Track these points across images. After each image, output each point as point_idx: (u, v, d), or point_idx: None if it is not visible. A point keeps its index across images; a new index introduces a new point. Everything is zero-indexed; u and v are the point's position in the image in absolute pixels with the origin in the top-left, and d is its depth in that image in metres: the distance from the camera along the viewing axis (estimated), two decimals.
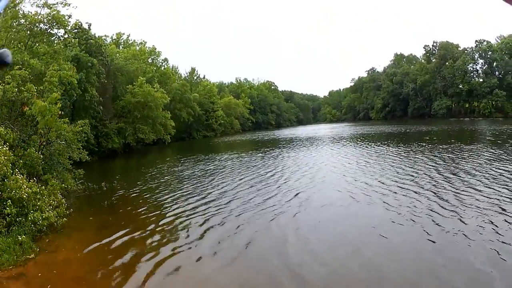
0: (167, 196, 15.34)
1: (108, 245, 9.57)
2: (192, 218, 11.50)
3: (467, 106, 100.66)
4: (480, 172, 15.41)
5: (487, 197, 11.30)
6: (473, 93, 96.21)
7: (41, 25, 24.38)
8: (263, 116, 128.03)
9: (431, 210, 10.52)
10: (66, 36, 28.24)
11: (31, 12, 24.51)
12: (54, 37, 26.33)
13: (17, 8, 24.03)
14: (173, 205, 13.61)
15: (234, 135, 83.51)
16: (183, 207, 13.12)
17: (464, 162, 18.60)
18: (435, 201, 11.40)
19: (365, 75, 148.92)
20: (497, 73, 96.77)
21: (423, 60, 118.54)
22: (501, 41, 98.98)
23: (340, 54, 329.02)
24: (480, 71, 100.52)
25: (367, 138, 41.44)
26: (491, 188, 12.50)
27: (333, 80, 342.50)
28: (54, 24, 25.03)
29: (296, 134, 65.04)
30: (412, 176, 15.88)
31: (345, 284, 6.85)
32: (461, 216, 9.72)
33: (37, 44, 24.11)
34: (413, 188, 13.42)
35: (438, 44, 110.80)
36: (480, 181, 13.77)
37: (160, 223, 11.30)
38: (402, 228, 9.34)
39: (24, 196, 9.88)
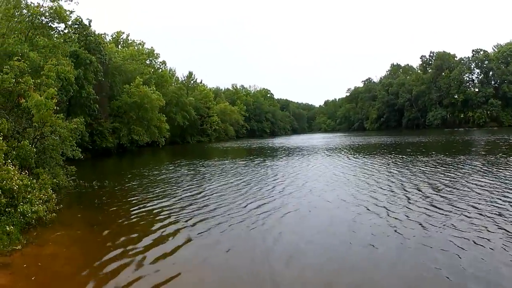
0: (152, 196, 15.73)
1: (96, 242, 9.60)
2: (167, 220, 11.63)
3: (462, 116, 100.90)
4: (453, 187, 14.97)
5: (455, 213, 10.87)
6: (468, 103, 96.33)
7: (43, 17, 24.33)
8: (258, 124, 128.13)
9: (391, 227, 9.97)
10: (66, 31, 28.18)
11: (33, 4, 24.68)
12: (54, 31, 26.23)
13: None
14: (155, 205, 13.87)
15: (228, 141, 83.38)
16: (162, 207, 13.40)
17: (441, 175, 18.20)
18: (400, 219, 10.74)
19: (361, 85, 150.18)
20: (493, 82, 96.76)
21: (419, 71, 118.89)
22: (498, 50, 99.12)
23: (337, 64, 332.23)
24: (476, 81, 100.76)
25: (354, 149, 41.17)
26: (462, 202, 12.14)
27: (329, 89, 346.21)
28: (56, 17, 25.04)
29: (286, 143, 64.95)
30: (383, 189, 15.29)
31: None
32: (425, 232, 9.33)
33: (37, 37, 24.02)
34: (382, 203, 12.78)
35: (435, 54, 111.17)
36: (454, 194, 13.40)
37: (144, 223, 11.47)
38: (355, 248, 8.71)
39: (15, 188, 9.94)
